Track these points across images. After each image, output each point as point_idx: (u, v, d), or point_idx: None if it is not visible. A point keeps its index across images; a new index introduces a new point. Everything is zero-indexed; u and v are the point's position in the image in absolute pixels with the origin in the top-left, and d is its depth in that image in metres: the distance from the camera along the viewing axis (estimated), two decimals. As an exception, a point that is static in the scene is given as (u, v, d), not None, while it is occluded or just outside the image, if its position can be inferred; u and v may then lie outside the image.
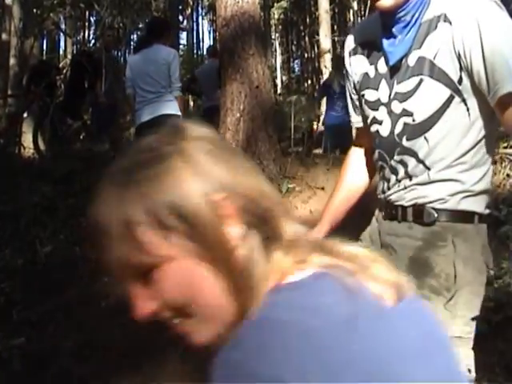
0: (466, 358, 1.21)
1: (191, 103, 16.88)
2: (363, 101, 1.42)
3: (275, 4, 21.12)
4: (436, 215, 1.26)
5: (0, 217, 4.14)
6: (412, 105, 1.27)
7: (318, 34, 13.17)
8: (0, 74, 10.44)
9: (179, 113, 4.09)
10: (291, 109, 7.29)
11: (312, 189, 4.53)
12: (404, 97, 1.28)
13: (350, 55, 1.47)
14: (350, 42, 1.48)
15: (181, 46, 23.52)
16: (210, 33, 41.36)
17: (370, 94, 1.38)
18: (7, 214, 4.24)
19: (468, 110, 1.23)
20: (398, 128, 1.30)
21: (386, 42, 1.30)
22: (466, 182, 1.26)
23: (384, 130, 1.34)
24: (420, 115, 1.26)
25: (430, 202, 1.27)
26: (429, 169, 1.27)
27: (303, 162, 5.15)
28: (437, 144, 1.26)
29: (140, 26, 19.50)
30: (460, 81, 1.21)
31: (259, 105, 4.62)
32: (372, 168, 1.54)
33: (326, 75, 9.64)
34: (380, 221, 1.42)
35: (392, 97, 1.31)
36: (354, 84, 1.47)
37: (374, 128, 1.38)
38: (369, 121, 1.41)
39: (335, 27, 22.22)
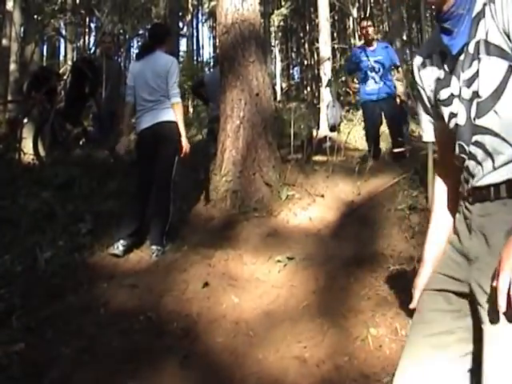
0: None
1: (190, 110, 16.80)
2: (439, 103, 1.51)
3: (275, 11, 21.21)
4: None
5: None
6: (477, 85, 1.36)
7: (317, 41, 13.18)
8: (0, 79, 10.46)
9: (176, 119, 4.09)
10: (291, 116, 7.31)
11: (311, 196, 4.53)
12: (470, 81, 1.37)
13: (419, 70, 1.59)
14: (417, 59, 1.61)
15: (181, 53, 23.59)
16: (209, 39, 41.65)
17: (443, 93, 1.47)
18: (7, 219, 4.25)
19: None
20: (473, 112, 1.37)
21: (445, 39, 1.44)
22: None
23: (461, 119, 1.41)
24: (485, 91, 1.33)
25: None
26: (510, 143, 1.32)
27: (303, 169, 5.16)
28: (508, 115, 1.32)
29: (140, 32, 19.58)
30: None
31: (259, 112, 4.64)
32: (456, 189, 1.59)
33: (325, 82, 9.64)
34: (467, 207, 1.46)
35: (461, 85, 1.41)
36: (427, 95, 1.57)
37: (452, 123, 1.45)
38: (447, 119, 1.48)
39: (335, 34, 22.32)
